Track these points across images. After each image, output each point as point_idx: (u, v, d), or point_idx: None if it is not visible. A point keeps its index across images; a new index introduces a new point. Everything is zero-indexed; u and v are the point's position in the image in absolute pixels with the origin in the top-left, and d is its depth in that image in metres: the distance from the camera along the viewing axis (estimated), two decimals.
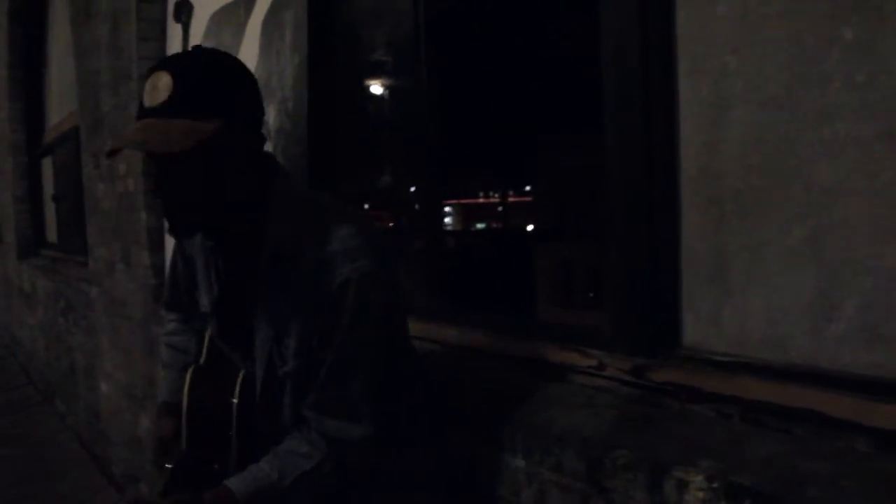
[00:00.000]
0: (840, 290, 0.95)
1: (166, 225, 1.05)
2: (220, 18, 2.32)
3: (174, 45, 2.66)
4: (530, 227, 6.30)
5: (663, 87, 1.11)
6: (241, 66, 1.07)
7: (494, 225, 9.15)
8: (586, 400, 1.17)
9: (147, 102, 0.95)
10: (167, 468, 1.19)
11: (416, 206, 1.86)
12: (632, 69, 1.13)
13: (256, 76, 2.08)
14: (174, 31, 2.65)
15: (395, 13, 1.70)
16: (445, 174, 1.70)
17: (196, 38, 2.49)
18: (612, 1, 1.15)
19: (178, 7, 2.59)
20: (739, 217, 1.05)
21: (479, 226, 9.51)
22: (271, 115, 2.00)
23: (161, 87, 0.93)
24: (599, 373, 1.20)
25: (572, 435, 1.06)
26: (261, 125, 1.07)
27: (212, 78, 0.98)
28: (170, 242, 2.80)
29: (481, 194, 9.65)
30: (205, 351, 1.24)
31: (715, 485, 0.88)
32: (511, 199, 8.34)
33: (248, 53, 2.15)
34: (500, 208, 8.94)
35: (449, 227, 7.37)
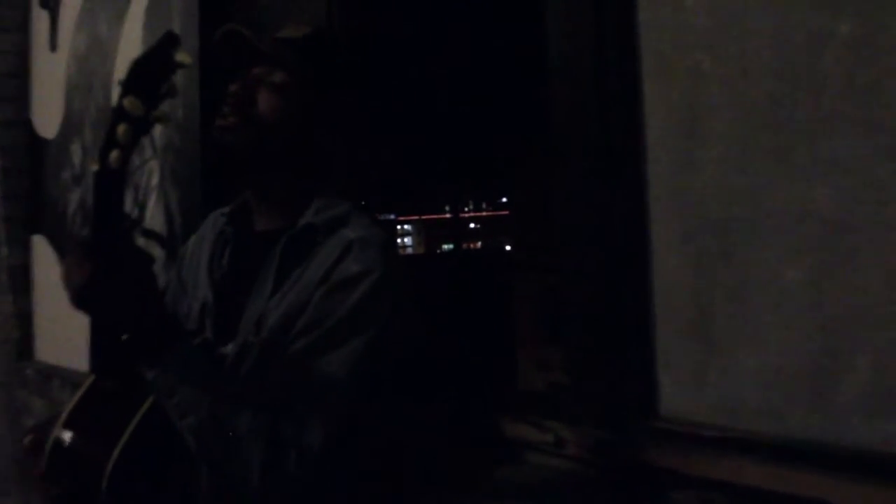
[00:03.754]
0: (848, 347, 0.78)
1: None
2: (94, 5, 2.07)
3: (40, 35, 2.38)
4: None
5: (624, 88, 0.95)
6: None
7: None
8: (539, 486, 0.95)
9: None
10: None
11: None
12: (584, 66, 0.97)
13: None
14: (40, 17, 2.38)
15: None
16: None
17: (66, 26, 2.24)
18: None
19: None
20: (722, 255, 0.86)
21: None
22: (157, 130, 1.81)
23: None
24: (558, 451, 0.99)
25: None
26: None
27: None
28: (38, 286, 2.51)
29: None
30: None
31: None
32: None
33: (129, 48, 1.91)
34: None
35: None
